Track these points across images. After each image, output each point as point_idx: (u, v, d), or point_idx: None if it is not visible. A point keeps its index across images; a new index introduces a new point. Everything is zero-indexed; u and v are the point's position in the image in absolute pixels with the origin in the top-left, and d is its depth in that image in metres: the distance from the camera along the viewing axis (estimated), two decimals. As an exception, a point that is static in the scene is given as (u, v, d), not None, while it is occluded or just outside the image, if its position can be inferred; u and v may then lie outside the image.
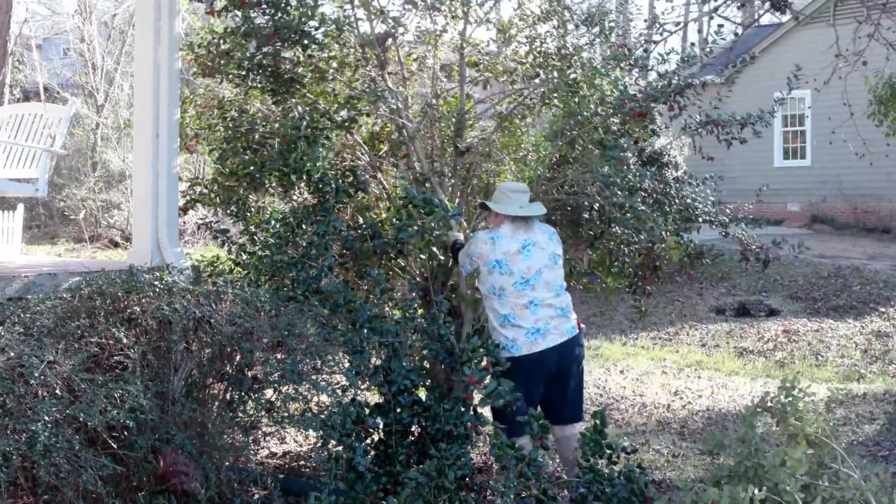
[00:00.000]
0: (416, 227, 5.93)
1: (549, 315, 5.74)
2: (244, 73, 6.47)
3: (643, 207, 6.04)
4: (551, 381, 5.82)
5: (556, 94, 6.69)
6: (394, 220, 6.26)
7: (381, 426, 5.65)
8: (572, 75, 6.59)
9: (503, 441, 5.13)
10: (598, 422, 5.26)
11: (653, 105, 6.39)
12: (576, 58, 6.65)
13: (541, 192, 6.75)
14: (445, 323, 5.77)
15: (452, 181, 6.92)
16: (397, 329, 5.69)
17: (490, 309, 5.82)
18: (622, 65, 6.66)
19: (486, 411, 5.84)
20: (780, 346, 11.82)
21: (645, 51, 7.22)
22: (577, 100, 6.45)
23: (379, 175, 7.10)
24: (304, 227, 6.16)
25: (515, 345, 5.70)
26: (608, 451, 5.23)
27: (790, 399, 4.41)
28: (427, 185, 6.61)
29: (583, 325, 6.04)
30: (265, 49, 6.38)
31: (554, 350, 5.72)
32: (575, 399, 5.97)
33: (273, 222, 6.21)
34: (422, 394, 5.78)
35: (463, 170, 7.03)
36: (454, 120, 6.88)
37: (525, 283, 5.71)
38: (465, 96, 6.98)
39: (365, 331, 5.62)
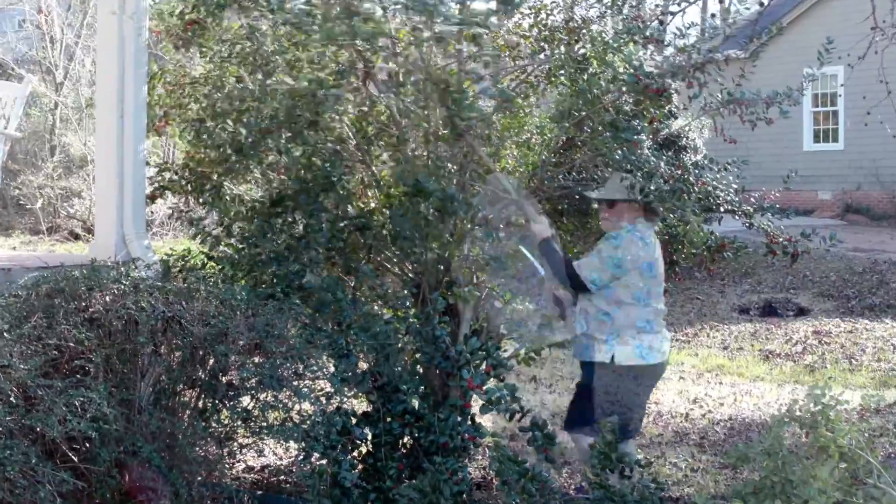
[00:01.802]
0: (411, 220, 5.91)
1: (665, 323, 5.90)
2: (219, 46, 6.46)
3: (666, 188, 6.02)
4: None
5: (562, 71, 6.67)
6: (383, 209, 6.26)
7: (369, 437, 5.65)
8: (581, 50, 6.58)
9: (505, 454, 5.13)
10: (608, 433, 5.25)
11: (670, 82, 6.37)
12: (585, 31, 6.63)
13: (545, 179, 6.74)
14: (441, 323, 5.77)
15: (449, 166, 6.90)
16: (388, 330, 5.69)
17: (623, 313, 5.77)
18: (636, 38, 6.64)
19: (486, 420, 5.84)
20: (810, 349, 11.83)
21: (661, 23, 7.21)
22: (585, 77, 6.44)
23: (367, 160, 7.09)
24: (285, 217, 6.15)
25: (651, 352, 5.74)
26: (620, 465, 5.23)
27: (821, 407, 4.41)
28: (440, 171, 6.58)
29: None
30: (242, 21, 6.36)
31: (667, 359, 5.91)
32: (642, 411, 6.14)
33: (251, 212, 6.20)
34: (414, 402, 5.79)
35: (461, 154, 7.02)
36: (452, 97, 6.86)
37: (661, 290, 5.83)
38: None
39: (352, 332, 5.62)
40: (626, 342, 5.72)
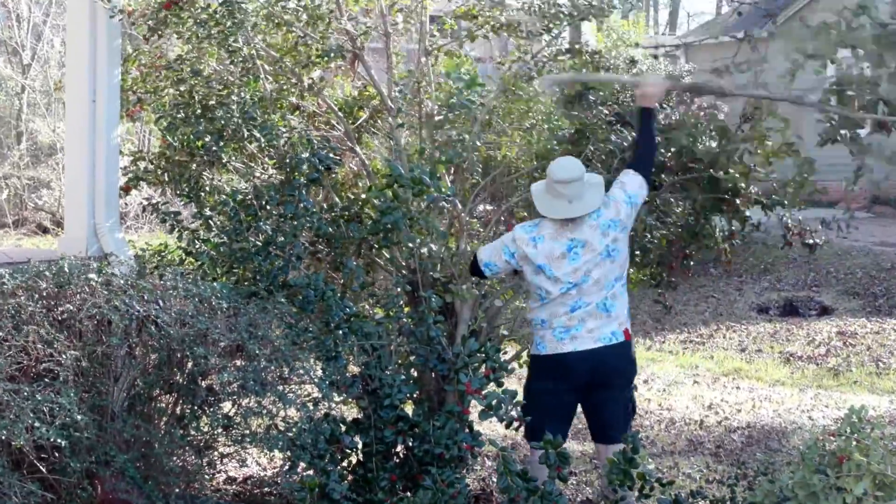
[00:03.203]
0: (402, 212, 5.91)
1: (587, 314, 5.76)
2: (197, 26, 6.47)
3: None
4: (584, 394, 5.87)
5: (569, 54, 6.70)
6: (374, 200, 6.26)
7: (359, 446, 5.65)
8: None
9: (511, 469, 5.10)
10: (629, 447, 5.16)
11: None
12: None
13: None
14: (436, 323, 5.77)
15: (437, 155, 6.91)
16: (379, 330, 5.69)
17: (538, 308, 5.89)
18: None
19: (485, 427, 5.86)
20: (834, 351, 11.85)
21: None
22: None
23: (357, 148, 7.10)
24: (268, 209, 6.16)
25: (543, 343, 5.83)
26: (639, 482, 5.16)
27: (855, 433, 4.43)
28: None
29: (631, 335, 5.98)
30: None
31: (584, 356, 5.75)
32: (612, 420, 5.92)
33: (232, 204, 6.20)
34: (408, 408, 5.79)
35: (458, 142, 7.02)
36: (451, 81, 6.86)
37: (573, 286, 5.74)
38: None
39: (341, 332, 5.62)
40: (534, 332, 5.93)
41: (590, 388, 5.83)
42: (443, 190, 6.03)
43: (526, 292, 6.34)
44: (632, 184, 5.88)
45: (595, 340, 5.74)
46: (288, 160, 6.21)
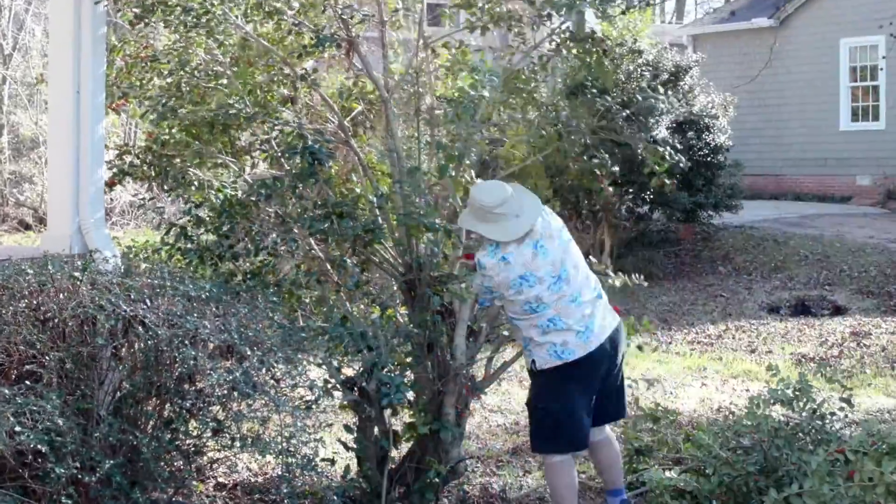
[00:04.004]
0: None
1: (590, 301, 5.93)
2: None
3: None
4: (602, 381, 6.02)
5: (571, 43, 6.70)
6: (370, 196, 6.26)
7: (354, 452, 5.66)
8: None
9: None
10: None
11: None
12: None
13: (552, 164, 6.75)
14: (435, 324, 5.77)
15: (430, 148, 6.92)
16: (375, 331, 5.69)
17: (526, 329, 5.90)
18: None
19: (483, 432, 5.85)
20: (848, 352, 11.85)
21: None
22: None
23: (352, 142, 7.09)
24: (260, 205, 6.16)
25: (567, 349, 5.81)
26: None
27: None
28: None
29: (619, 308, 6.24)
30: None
31: (605, 343, 5.92)
32: (621, 393, 6.30)
33: (223, 199, 6.20)
34: (405, 412, 5.80)
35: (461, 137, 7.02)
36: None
37: (558, 280, 5.83)
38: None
39: (335, 333, 5.62)
40: (540, 345, 5.87)
41: (606, 375, 6.02)
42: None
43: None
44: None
45: (607, 329, 5.95)
46: (280, 154, 6.21)
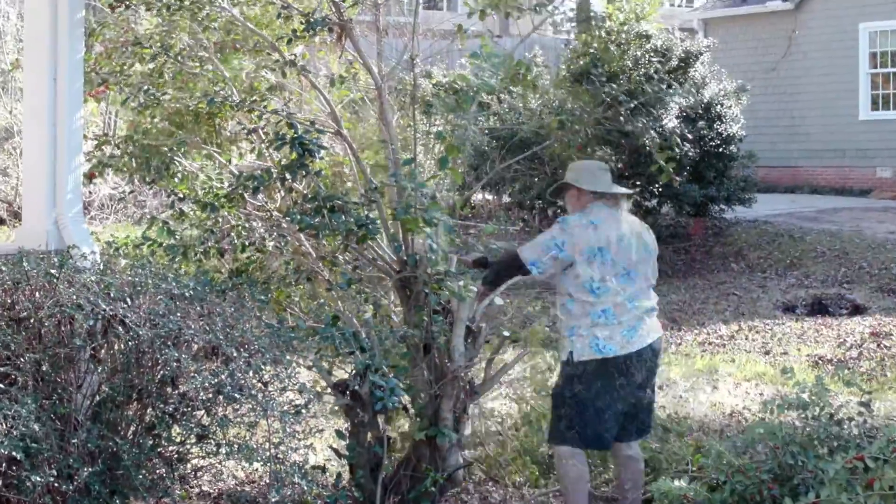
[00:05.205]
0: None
1: (645, 310, 6.17)
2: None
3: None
4: (639, 388, 6.14)
5: (572, 24, 6.72)
6: (363, 189, 6.27)
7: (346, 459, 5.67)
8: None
9: None
10: None
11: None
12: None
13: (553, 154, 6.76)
14: (433, 324, 5.78)
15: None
16: (369, 331, 5.70)
17: (577, 316, 6.03)
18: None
19: (485, 441, 5.85)
20: (868, 354, 11.85)
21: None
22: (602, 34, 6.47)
23: (343, 131, 7.09)
24: (247, 199, 6.16)
25: (609, 344, 5.96)
26: None
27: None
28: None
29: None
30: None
31: (646, 350, 6.09)
32: (651, 408, 6.44)
33: (208, 191, 6.21)
34: (400, 415, 5.80)
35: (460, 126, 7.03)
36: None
37: (627, 276, 6.06)
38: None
39: (327, 333, 5.62)
40: (582, 335, 5.98)
41: (641, 384, 6.15)
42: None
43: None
44: None
45: (652, 336, 6.16)
46: (268, 144, 6.22)
